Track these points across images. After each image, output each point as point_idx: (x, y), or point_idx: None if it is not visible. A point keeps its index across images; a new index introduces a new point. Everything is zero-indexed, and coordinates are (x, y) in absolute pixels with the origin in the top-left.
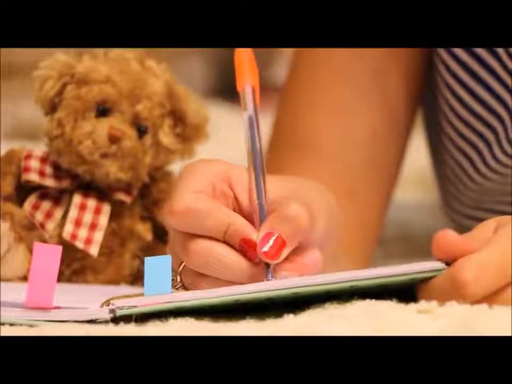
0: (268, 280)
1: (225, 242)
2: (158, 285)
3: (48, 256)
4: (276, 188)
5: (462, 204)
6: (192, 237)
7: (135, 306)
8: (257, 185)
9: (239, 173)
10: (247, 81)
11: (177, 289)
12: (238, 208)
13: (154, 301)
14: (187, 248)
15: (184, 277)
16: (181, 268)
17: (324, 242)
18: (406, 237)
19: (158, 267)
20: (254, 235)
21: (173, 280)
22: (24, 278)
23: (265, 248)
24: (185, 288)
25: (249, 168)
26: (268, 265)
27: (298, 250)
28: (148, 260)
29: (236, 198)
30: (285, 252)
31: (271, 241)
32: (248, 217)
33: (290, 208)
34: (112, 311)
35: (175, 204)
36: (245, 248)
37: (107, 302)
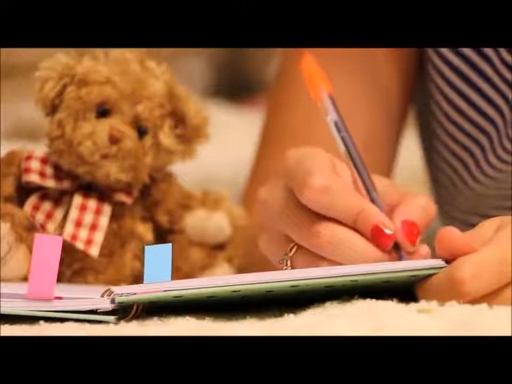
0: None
1: (351, 227)
2: (158, 273)
3: (49, 247)
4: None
5: (456, 209)
6: (323, 218)
7: (134, 294)
8: (363, 180)
9: (340, 163)
10: (321, 89)
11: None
12: None
13: (153, 288)
14: (316, 230)
15: (296, 261)
16: (292, 252)
17: None
18: None
19: (158, 255)
20: (387, 222)
21: (281, 263)
22: (25, 279)
23: (406, 235)
24: None
25: (349, 166)
26: (398, 250)
27: None
28: (148, 248)
29: None
30: (418, 240)
31: (410, 228)
32: None
33: (421, 198)
34: (113, 300)
35: (313, 181)
36: (376, 236)
37: (108, 292)
